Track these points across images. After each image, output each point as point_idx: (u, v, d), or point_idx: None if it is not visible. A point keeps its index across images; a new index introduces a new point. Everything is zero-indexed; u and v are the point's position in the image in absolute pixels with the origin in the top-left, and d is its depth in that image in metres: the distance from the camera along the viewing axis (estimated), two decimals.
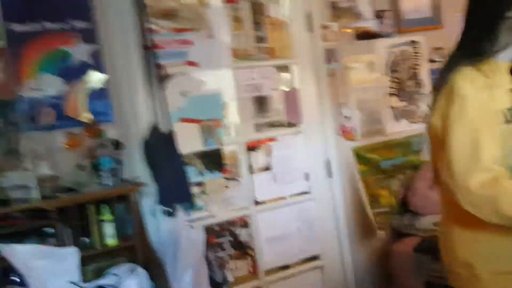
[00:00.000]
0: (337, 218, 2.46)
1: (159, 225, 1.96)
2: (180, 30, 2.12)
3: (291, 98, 2.37)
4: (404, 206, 2.53)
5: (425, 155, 2.59)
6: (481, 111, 1.15)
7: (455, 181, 1.13)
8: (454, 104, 1.16)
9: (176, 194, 2.01)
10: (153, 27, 2.04)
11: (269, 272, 2.28)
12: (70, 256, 1.57)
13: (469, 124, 1.14)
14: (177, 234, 1.93)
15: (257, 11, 2.32)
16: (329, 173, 2.44)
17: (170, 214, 1.99)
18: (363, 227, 2.51)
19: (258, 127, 2.30)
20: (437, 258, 2.14)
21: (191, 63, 2.13)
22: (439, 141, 1.21)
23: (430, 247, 2.23)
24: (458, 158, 1.13)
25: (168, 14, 2.12)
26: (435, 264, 2.16)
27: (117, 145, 1.92)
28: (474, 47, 1.22)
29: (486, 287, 1.26)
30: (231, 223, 2.20)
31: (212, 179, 2.15)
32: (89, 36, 1.94)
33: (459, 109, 1.15)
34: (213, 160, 2.15)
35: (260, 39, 2.32)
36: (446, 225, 1.33)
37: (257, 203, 2.26)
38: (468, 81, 1.17)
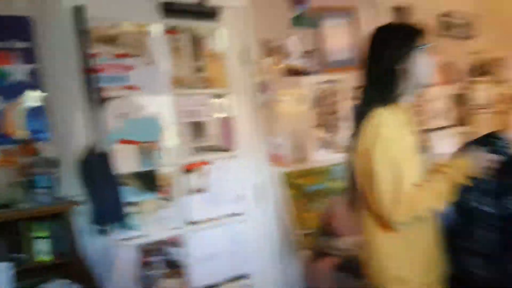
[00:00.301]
0: (266, 238, 2.61)
1: (93, 243, 1.99)
2: (121, 56, 2.22)
3: (226, 124, 2.53)
4: (326, 228, 2.75)
5: (345, 182, 2.87)
6: (401, 148, 1.36)
7: (385, 212, 1.35)
8: (377, 145, 1.36)
9: (110, 213, 2.05)
10: (94, 51, 2.12)
11: None
12: (3, 271, 1.56)
13: (392, 162, 1.34)
14: (110, 253, 1.98)
15: (196, 42, 2.48)
16: (260, 196, 2.61)
17: (103, 233, 2.03)
18: (290, 247, 2.69)
19: (195, 151, 2.41)
20: (357, 276, 2.36)
21: (131, 87, 2.23)
22: (365, 173, 1.41)
23: (350, 266, 2.45)
24: (385, 194, 1.34)
25: (110, 40, 2.22)
26: (355, 281, 2.37)
27: (53, 163, 1.94)
28: (380, 93, 1.43)
29: None
30: (165, 242, 2.27)
31: (148, 199, 2.22)
32: (28, 56, 1.98)
33: (382, 150, 1.35)
34: (149, 180, 2.23)
35: (198, 69, 2.47)
36: (375, 245, 1.46)
37: (190, 223, 2.35)
38: (386, 123, 1.37)
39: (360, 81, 1.52)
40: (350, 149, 1.51)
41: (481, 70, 3.66)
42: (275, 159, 2.66)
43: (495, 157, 1.41)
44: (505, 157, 1.41)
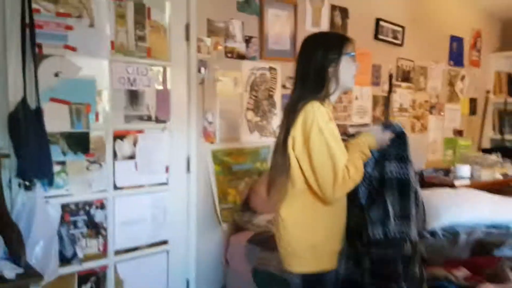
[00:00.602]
0: (189, 209, 2.73)
1: (18, 197, 2.00)
2: (62, 14, 2.20)
3: (162, 96, 2.60)
4: (246, 205, 2.94)
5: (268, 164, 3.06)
6: (331, 135, 1.60)
7: (325, 190, 1.60)
8: (313, 133, 1.58)
9: (36, 169, 2.04)
10: (36, 6, 2.09)
11: (119, 252, 2.44)
12: None
13: (327, 146, 1.58)
14: (33, 208, 2.00)
15: (141, 12, 2.51)
16: (188, 169, 2.72)
17: (27, 188, 2.04)
18: (212, 219, 2.84)
19: (128, 118, 2.45)
20: (266, 249, 2.58)
21: (69, 47, 2.22)
22: (301, 158, 1.64)
23: (260, 240, 2.65)
24: (324, 174, 1.58)
25: None
26: (263, 253, 2.58)
27: None
28: (311, 91, 1.67)
29: (325, 262, 1.71)
30: (88, 203, 2.31)
31: (75, 160, 2.25)
32: None
33: (318, 137, 1.58)
34: (79, 142, 2.25)
35: (140, 38, 2.50)
36: (293, 219, 1.70)
37: (116, 188, 2.42)
38: (318, 113, 1.60)
39: (294, 78, 1.75)
40: (280, 135, 1.71)
41: (404, 76, 4.01)
42: (207, 136, 2.78)
43: (390, 133, 1.72)
44: (398, 133, 1.73)
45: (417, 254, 1.73)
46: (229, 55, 2.83)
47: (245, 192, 2.94)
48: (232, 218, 2.90)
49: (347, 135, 1.82)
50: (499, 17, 4.93)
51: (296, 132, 1.64)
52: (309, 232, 1.69)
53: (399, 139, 1.73)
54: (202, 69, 2.71)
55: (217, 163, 2.82)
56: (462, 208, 2.49)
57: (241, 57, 2.89)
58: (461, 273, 2.02)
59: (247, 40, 2.91)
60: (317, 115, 1.59)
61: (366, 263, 1.73)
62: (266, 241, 2.61)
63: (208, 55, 2.73)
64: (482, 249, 2.24)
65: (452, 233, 2.39)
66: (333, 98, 1.74)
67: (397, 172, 1.71)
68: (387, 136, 1.72)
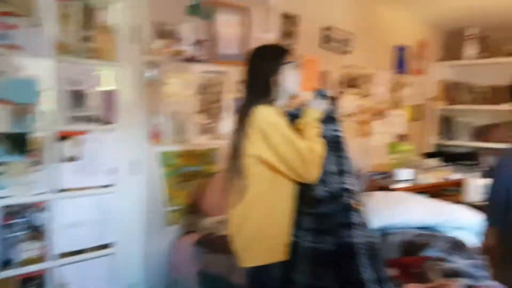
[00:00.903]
0: (136, 212, 2.72)
1: None
2: (5, 13, 2.16)
3: (109, 97, 2.58)
4: (194, 207, 2.96)
5: (218, 166, 3.11)
6: (285, 127, 1.79)
7: (302, 174, 1.78)
8: (271, 130, 1.76)
9: None
10: None
11: (62, 255, 2.41)
12: None
13: (288, 137, 1.77)
14: None
15: (88, 12, 2.49)
16: (135, 171, 2.71)
17: None
18: (159, 222, 2.84)
19: (73, 119, 2.42)
20: (212, 251, 2.62)
21: (12, 47, 2.18)
22: (267, 155, 1.79)
23: (207, 242, 2.69)
24: (293, 162, 1.77)
25: None
26: (209, 256, 2.62)
27: None
28: (258, 97, 1.84)
29: (278, 254, 1.85)
30: (30, 206, 2.27)
31: (16, 161, 2.20)
32: None
33: (278, 131, 1.77)
34: (20, 143, 2.21)
35: (86, 39, 2.48)
36: (247, 217, 1.85)
37: (59, 190, 2.38)
38: (271, 113, 1.79)
39: (244, 85, 1.91)
40: (235, 139, 1.86)
41: (351, 83, 4.16)
42: (155, 137, 2.79)
43: (326, 101, 1.93)
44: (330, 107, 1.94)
45: (359, 205, 1.90)
46: (179, 57, 2.86)
47: (194, 194, 2.97)
48: (180, 220, 2.92)
49: (292, 115, 1.95)
50: (442, 28, 5.21)
51: (252, 134, 1.78)
52: (264, 228, 1.83)
53: (331, 103, 1.95)
54: (151, 71, 2.72)
55: (165, 165, 2.84)
56: (393, 211, 2.64)
57: (191, 60, 2.92)
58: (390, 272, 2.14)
59: (197, 44, 2.95)
60: (267, 114, 1.78)
61: (304, 222, 1.86)
62: (213, 243, 2.65)
63: (157, 57, 2.75)
64: (411, 250, 2.38)
65: (383, 234, 2.53)
66: (280, 103, 1.91)
67: (329, 131, 1.89)
68: (324, 104, 1.92)
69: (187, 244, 2.76)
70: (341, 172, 1.87)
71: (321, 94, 1.94)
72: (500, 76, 4.30)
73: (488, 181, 2.39)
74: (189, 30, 2.90)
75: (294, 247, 1.86)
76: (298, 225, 1.87)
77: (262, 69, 1.86)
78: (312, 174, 1.78)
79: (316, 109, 1.89)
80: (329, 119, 1.90)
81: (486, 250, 2.36)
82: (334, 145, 1.88)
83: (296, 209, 1.88)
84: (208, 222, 2.86)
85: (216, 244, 2.63)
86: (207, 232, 2.77)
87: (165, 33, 2.78)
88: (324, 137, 1.86)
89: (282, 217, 1.86)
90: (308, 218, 1.86)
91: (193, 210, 2.95)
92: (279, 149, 1.76)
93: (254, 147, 1.80)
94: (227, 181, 1.91)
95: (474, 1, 4.10)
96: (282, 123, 1.80)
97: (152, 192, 2.79)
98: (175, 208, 2.90)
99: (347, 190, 1.85)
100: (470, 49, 4.95)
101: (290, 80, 1.89)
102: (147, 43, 2.70)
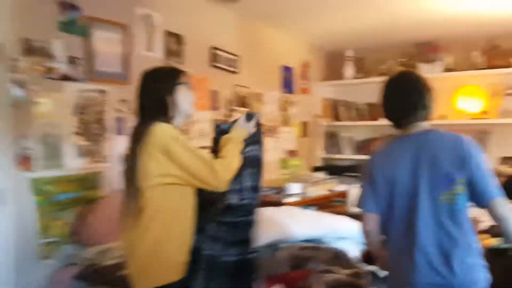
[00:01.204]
0: (4, 246, 2.42)
1: None
2: None
3: None
4: (75, 237, 2.73)
5: (102, 191, 2.91)
6: (186, 141, 1.84)
7: (212, 183, 1.83)
8: (174, 145, 1.77)
9: None
10: None
11: None
12: None
13: (191, 150, 1.81)
14: None
15: None
16: (1, 201, 2.43)
17: None
18: (32, 256, 2.56)
19: None
20: (93, 284, 2.43)
21: None
22: (170, 171, 1.79)
23: (88, 274, 2.48)
24: (201, 172, 1.80)
25: None
26: None
27: None
28: (154, 117, 1.85)
29: (176, 273, 1.82)
30: None
31: None
32: None
33: (181, 146, 1.79)
34: None
35: None
36: (145, 237, 1.80)
37: None
38: (171, 129, 1.82)
39: (137, 108, 1.94)
40: (131, 161, 1.82)
41: (241, 101, 4.24)
42: (23, 163, 2.53)
43: (253, 123, 2.06)
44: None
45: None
46: (51, 75, 2.65)
47: (73, 223, 2.74)
48: (57, 252, 2.67)
49: (219, 132, 2.08)
50: (324, 50, 5.58)
51: (155, 152, 1.76)
52: (162, 245, 1.80)
53: (257, 126, 2.09)
54: (17, 90, 2.48)
55: (37, 193, 2.58)
56: (281, 226, 2.69)
57: (65, 78, 2.72)
58: None
59: (72, 61, 2.76)
60: (167, 129, 1.80)
61: (212, 230, 1.93)
62: (95, 275, 2.46)
63: (24, 75, 2.51)
64: (297, 264, 2.44)
65: (272, 249, 2.56)
66: (176, 123, 1.93)
67: (252, 151, 2.03)
68: (252, 126, 2.05)
69: (66, 278, 2.53)
70: (254, 188, 2.01)
71: (249, 116, 2.07)
72: (375, 94, 4.69)
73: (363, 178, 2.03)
74: (62, 47, 2.70)
75: (196, 254, 1.88)
76: (203, 232, 1.91)
77: (156, 90, 1.89)
78: (222, 181, 1.84)
79: (243, 129, 2.01)
80: (255, 141, 2.05)
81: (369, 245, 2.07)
82: (254, 163, 2.01)
83: (205, 217, 1.93)
84: (89, 252, 2.65)
85: (98, 276, 2.45)
86: (88, 263, 2.56)
87: (34, 50, 2.56)
88: (247, 155, 1.97)
89: (182, 234, 1.86)
90: (218, 227, 1.94)
91: (72, 240, 2.72)
92: (184, 161, 1.78)
93: (160, 166, 1.78)
94: (123, 204, 1.86)
95: (350, 24, 4.46)
96: (182, 137, 1.84)
97: (22, 224, 2.52)
98: (50, 239, 2.64)
99: (256, 206, 2.01)
100: (349, 70, 5.36)
101: (185, 101, 1.94)
102: (13, 61, 2.46)
